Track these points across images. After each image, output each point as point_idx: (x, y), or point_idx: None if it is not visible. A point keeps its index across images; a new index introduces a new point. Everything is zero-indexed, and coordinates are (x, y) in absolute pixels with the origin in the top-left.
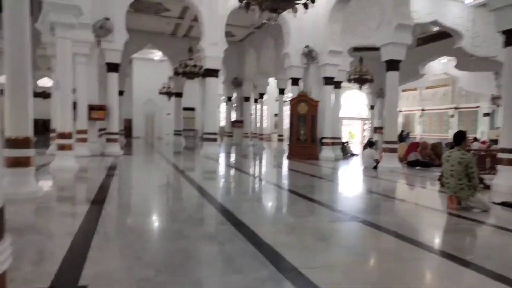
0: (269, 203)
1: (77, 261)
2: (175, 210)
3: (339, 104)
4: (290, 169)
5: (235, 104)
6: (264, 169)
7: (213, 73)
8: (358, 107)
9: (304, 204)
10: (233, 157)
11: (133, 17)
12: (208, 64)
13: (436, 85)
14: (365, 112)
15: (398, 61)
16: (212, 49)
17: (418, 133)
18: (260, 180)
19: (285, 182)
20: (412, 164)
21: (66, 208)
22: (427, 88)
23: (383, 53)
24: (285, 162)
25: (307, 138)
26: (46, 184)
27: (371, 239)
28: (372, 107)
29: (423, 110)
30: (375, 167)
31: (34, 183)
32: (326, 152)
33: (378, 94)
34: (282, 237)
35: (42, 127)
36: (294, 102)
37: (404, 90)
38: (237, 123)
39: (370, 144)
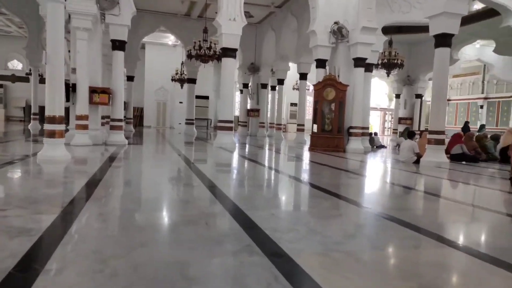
0: (290, 202)
1: None
2: (176, 212)
3: (369, 90)
4: (314, 162)
5: (251, 92)
6: (284, 162)
7: (230, 52)
8: (376, 96)
9: (332, 203)
10: (248, 148)
11: None
12: (225, 43)
13: (465, 74)
14: (384, 102)
15: (451, 35)
16: (230, 25)
17: None
18: (280, 174)
19: (310, 177)
20: (456, 158)
21: (25, 215)
22: (455, 76)
23: (432, 26)
24: (307, 154)
25: (333, 128)
26: (22, 180)
27: (437, 257)
28: (397, 96)
29: (448, 100)
30: (417, 162)
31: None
32: (355, 144)
33: (405, 81)
34: (304, 246)
35: None
36: (319, 87)
37: (429, 79)
38: (253, 112)
39: (410, 134)
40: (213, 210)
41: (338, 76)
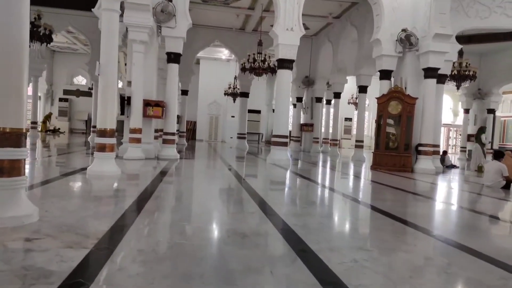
0: (351, 228)
1: None
2: (225, 236)
3: (441, 104)
4: (379, 183)
5: (305, 106)
6: (346, 183)
7: (286, 64)
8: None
9: (423, 244)
10: (303, 165)
11: (200, 10)
12: (282, 54)
13: None
14: (448, 117)
15: None
16: (287, 35)
17: None
18: (342, 196)
19: (377, 201)
20: None
21: (52, 248)
22: None
23: None
24: (370, 174)
25: (399, 145)
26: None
27: None
28: (466, 111)
29: None
30: (507, 187)
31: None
32: (424, 163)
33: (475, 95)
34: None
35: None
36: (383, 100)
37: (503, 92)
38: (307, 127)
39: (497, 155)
40: (264, 227)
41: (405, 88)
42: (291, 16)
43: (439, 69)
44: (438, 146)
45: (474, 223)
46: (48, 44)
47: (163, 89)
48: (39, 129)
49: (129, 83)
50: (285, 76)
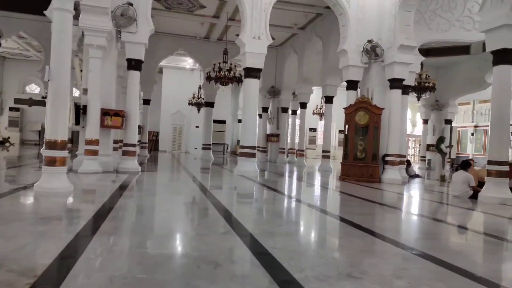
0: (332, 248)
1: None
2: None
3: (406, 114)
4: (348, 194)
5: (271, 116)
6: (315, 194)
7: (254, 73)
8: None
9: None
10: (271, 176)
11: (163, 18)
12: (249, 62)
13: None
14: (408, 127)
15: None
16: (254, 44)
17: (469, 152)
18: (317, 211)
19: (346, 212)
20: None
21: None
22: (482, 102)
23: (490, 41)
24: (338, 185)
25: (367, 155)
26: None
27: None
28: (425, 122)
29: (476, 126)
30: (474, 196)
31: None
32: (391, 173)
33: (433, 106)
34: None
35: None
36: (351, 111)
37: (459, 104)
38: (273, 137)
39: (464, 165)
40: (235, 250)
41: (372, 98)
42: (258, 24)
43: (404, 79)
44: (404, 156)
45: (460, 236)
46: None
47: (123, 98)
48: None
49: (85, 90)
50: (252, 85)
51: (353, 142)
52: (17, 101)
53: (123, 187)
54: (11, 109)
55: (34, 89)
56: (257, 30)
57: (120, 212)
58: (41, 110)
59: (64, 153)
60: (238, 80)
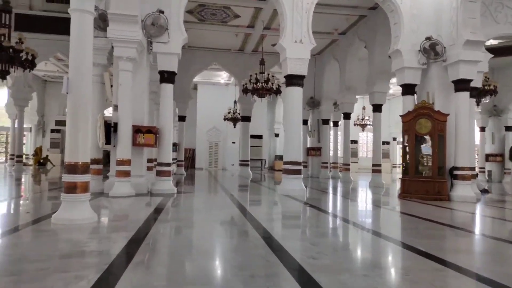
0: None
1: None
2: None
3: (474, 120)
4: (413, 215)
5: (311, 129)
6: (372, 214)
7: (296, 80)
8: None
9: None
10: (318, 194)
11: (197, 31)
12: (290, 69)
13: None
14: None
15: None
16: (296, 48)
17: None
18: (373, 234)
19: (412, 237)
20: None
21: None
22: None
23: None
24: (397, 203)
25: (432, 169)
26: None
27: None
28: (482, 129)
29: None
30: None
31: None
32: (462, 190)
33: (491, 112)
34: None
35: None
36: (409, 118)
37: None
38: (314, 151)
39: None
40: None
41: (433, 103)
42: (299, 26)
43: (471, 80)
44: (474, 169)
45: None
46: (31, 70)
47: (157, 115)
48: (30, 162)
49: (116, 107)
50: (295, 94)
51: (413, 153)
52: (58, 123)
53: (156, 214)
54: (52, 131)
55: None
56: (299, 33)
57: (149, 253)
58: None
59: (86, 178)
60: (276, 92)
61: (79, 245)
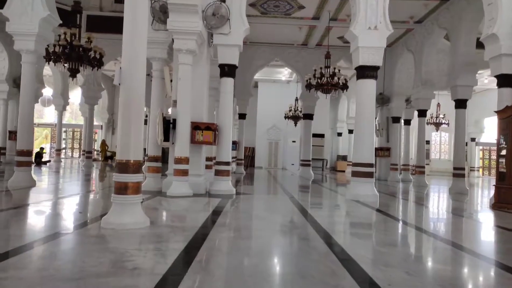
0: None
1: None
2: None
3: None
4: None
5: (379, 127)
6: (457, 226)
7: (369, 72)
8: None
9: None
10: (386, 199)
11: (258, 25)
12: (363, 59)
13: None
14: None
15: None
16: (370, 36)
17: None
18: (460, 250)
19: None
20: None
21: None
22: None
23: None
24: (491, 215)
25: None
26: None
27: None
28: None
29: None
30: None
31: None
32: None
33: None
34: None
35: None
36: (508, 115)
37: None
38: (382, 151)
39: None
40: None
41: None
42: (374, 10)
43: None
44: None
45: None
46: (99, 69)
47: (217, 113)
48: (100, 158)
49: (175, 102)
50: (368, 87)
51: None
52: None
53: (214, 218)
54: None
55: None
56: (373, 19)
57: (206, 265)
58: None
59: (138, 178)
60: (343, 87)
61: (122, 259)
